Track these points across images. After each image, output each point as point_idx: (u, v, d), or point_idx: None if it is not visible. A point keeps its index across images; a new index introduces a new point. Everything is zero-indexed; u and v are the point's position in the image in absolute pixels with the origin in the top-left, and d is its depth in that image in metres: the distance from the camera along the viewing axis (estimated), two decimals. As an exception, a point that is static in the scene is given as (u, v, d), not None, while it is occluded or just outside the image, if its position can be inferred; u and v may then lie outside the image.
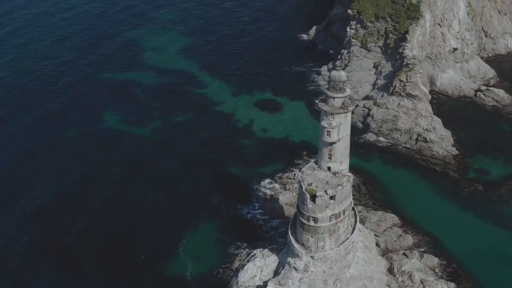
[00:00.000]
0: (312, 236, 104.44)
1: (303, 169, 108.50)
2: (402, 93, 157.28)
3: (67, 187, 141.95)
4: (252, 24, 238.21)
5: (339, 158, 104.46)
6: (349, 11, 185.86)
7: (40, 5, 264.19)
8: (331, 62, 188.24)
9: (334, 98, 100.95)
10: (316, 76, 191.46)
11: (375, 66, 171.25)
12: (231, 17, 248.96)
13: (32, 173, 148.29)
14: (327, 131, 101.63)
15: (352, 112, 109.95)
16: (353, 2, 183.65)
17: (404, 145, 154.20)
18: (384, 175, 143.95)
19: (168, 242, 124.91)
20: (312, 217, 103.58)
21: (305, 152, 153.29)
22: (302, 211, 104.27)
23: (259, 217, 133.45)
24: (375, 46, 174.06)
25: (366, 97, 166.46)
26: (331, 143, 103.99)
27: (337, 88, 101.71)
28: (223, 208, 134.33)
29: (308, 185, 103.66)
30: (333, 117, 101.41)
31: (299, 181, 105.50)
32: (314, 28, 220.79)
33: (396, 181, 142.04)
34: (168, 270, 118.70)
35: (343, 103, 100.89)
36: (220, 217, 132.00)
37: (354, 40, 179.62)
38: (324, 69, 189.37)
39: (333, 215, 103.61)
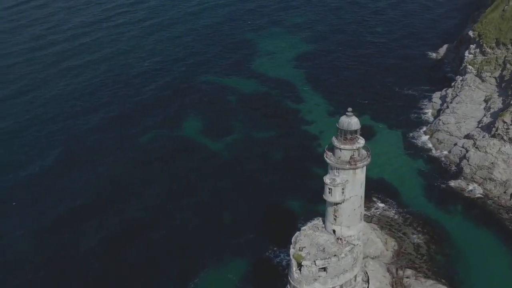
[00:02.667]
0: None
1: (303, 227, 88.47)
2: (505, 137, 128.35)
3: (107, 193, 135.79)
4: (381, 36, 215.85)
5: (346, 222, 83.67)
6: (470, 32, 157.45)
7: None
8: (445, 89, 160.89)
9: (340, 149, 79.28)
10: (426, 102, 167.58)
11: (486, 100, 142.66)
12: (362, 26, 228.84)
13: (81, 171, 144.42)
14: (329, 189, 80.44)
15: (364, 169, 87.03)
16: (476, 23, 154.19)
17: (496, 199, 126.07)
18: (458, 235, 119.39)
19: (182, 273, 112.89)
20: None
21: (379, 196, 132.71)
22: (289, 278, 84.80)
23: (285, 265, 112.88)
24: (490, 77, 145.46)
25: (467, 136, 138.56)
26: (336, 203, 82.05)
27: (347, 138, 79.53)
28: (255, 247, 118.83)
29: (299, 249, 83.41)
30: (338, 173, 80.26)
31: (291, 243, 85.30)
32: (445, 46, 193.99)
33: (470, 246, 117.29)
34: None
35: (351, 157, 78.92)
36: (247, 257, 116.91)
37: (470, 67, 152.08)
38: (436, 95, 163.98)
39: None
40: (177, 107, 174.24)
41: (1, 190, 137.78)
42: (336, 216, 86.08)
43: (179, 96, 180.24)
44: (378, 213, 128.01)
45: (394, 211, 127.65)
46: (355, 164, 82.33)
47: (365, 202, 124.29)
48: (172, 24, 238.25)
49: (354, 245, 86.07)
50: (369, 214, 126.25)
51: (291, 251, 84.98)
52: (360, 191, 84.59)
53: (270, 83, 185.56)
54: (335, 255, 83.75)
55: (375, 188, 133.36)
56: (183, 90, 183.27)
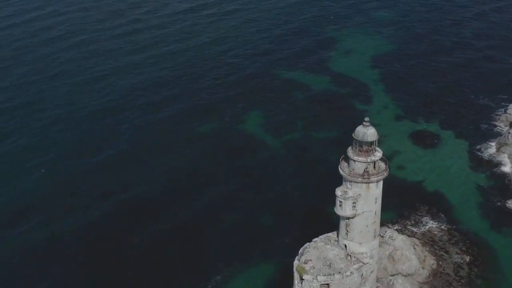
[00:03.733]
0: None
1: (315, 239, 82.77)
2: None
3: (168, 186, 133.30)
4: (467, 42, 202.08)
5: (358, 238, 77.76)
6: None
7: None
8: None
9: (354, 161, 73.42)
10: (500, 113, 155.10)
11: None
12: (453, 29, 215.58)
13: (145, 163, 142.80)
14: (339, 201, 74.80)
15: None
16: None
17: None
18: (505, 260, 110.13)
19: (209, 269, 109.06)
20: (299, 303, 78.61)
21: (429, 209, 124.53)
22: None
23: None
24: None
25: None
26: (347, 218, 76.50)
27: (363, 150, 73.48)
28: (287, 253, 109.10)
29: (304, 262, 78.27)
30: (351, 185, 74.44)
31: (298, 253, 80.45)
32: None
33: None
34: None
35: (365, 170, 72.81)
36: (276, 261, 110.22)
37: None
38: (511, 107, 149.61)
39: (326, 308, 76.55)
40: (244, 101, 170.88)
41: (71, 175, 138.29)
42: (347, 231, 79.78)
43: (248, 90, 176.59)
44: (425, 227, 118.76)
45: (441, 227, 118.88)
46: (368, 178, 75.20)
47: (411, 214, 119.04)
48: (257, 19, 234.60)
49: (363, 263, 78.89)
50: (414, 229, 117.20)
51: (295, 262, 79.72)
52: (374, 207, 77.70)
53: (342, 82, 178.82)
54: (339, 272, 76.85)
55: (427, 200, 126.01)
56: (254, 84, 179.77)
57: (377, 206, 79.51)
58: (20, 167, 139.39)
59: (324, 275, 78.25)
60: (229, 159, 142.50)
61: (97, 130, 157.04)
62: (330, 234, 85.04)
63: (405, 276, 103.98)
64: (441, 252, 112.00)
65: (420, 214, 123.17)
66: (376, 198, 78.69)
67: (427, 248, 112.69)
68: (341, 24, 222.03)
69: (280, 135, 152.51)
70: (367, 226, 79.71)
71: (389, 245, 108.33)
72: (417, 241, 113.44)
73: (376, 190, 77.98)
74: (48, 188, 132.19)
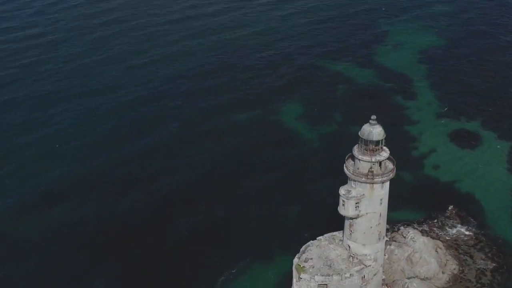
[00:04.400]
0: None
1: (320, 237, 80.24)
2: None
3: (207, 175, 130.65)
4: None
5: (361, 239, 74.99)
6: None
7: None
8: None
9: (359, 160, 70.61)
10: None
11: None
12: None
13: (188, 149, 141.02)
14: (342, 201, 72.14)
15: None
16: None
17: None
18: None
19: (229, 260, 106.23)
20: (296, 301, 76.55)
21: (459, 211, 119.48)
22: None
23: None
24: None
25: None
26: (350, 218, 73.86)
27: (369, 149, 70.55)
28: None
29: (304, 260, 76.02)
30: (355, 185, 71.55)
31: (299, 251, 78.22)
32: None
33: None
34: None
35: (370, 170, 69.84)
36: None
37: None
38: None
39: (324, 308, 74.17)
40: (286, 92, 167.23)
41: (108, 161, 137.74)
42: (351, 231, 76.58)
43: (292, 81, 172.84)
44: (452, 231, 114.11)
45: (469, 232, 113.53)
46: (372, 178, 71.70)
47: (440, 215, 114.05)
48: (310, 10, 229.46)
49: (365, 266, 75.51)
50: (440, 232, 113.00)
51: (295, 260, 76.93)
52: (379, 208, 74.22)
53: (387, 76, 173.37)
54: (338, 274, 73.83)
55: (458, 203, 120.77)
56: (298, 76, 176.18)
57: (382, 208, 75.85)
58: (58, 150, 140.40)
59: (322, 275, 75.20)
60: (266, 151, 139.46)
61: (140, 116, 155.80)
62: (335, 233, 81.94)
63: (422, 279, 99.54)
64: (465, 257, 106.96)
65: (449, 216, 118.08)
66: (381, 200, 75.08)
67: (451, 252, 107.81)
68: (393, 16, 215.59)
69: (318, 128, 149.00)
70: (371, 227, 76.28)
71: (409, 246, 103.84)
72: (441, 244, 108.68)
73: (381, 191, 74.34)
74: (84, 172, 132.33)
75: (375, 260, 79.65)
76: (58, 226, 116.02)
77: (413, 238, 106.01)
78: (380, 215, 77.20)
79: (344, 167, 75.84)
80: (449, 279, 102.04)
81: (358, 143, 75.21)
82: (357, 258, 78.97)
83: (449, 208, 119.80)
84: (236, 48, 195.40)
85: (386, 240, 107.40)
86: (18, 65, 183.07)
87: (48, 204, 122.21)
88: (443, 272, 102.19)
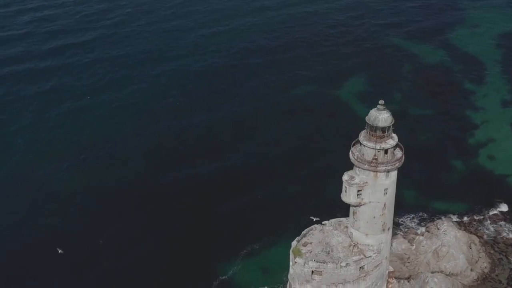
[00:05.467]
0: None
1: (325, 221, 76.30)
2: None
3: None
4: None
5: (364, 228, 70.67)
6: None
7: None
8: None
9: (364, 146, 66.28)
10: None
11: None
12: None
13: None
14: (345, 187, 68.16)
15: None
16: None
17: None
18: None
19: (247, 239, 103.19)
20: (291, 284, 73.47)
21: (503, 207, 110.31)
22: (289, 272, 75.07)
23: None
24: None
25: None
26: (353, 205, 69.84)
27: (376, 135, 65.94)
28: None
29: (303, 244, 72.75)
30: (359, 172, 67.36)
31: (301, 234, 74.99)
32: None
33: None
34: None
35: (374, 157, 65.37)
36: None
37: None
38: None
39: (318, 295, 70.80)
40: (347, 64, 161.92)
41: (169, 132, 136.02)
42: (354, 219, 71.55)
43: (356, 53, 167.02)
44: (493, 227, 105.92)
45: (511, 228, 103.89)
46: (376, 166, 66.34)
47: (484, 209, 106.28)
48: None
49: (365, 256, 70.61)
50: (480, 226, 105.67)
51: (293, 243, 73.04)
52: (383, 198, 68.81)
53: (457, 58, 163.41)
54: (334, 262, 69.50)
55: (507, 198, 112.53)
56: (364, 50, 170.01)
57: (387, 198, 70.19)
58: (123, 116, 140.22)
59: (317, 262, 70.72)
60: (320, 131, 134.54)
61: (210, 88, 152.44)
62: (343, 219, 76.96)
63: (447, 275, 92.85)
64: (501, 256, 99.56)
65: (494, 211, 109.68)
66: (385, 189, 69.45)
67: (485, 249, 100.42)
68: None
69: (373, 105, 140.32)
70: (374, 217, 70.91)
71: (438, 239, 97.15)
72: (476, 240, 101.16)
73: (385, 181, 68.68)
74: (148, 138, 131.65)
75: (378, 251, 74.07)
76: (116, 185, 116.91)
77: (446, 231, 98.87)
78: (385, 205, 71.44)
79: (350, 152, 70.38)
80: (478, 277, 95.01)
81: (365, 128, 69.37)
82: (358, 248, 73.63)
83: (496, 203, 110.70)
84: (312, 23, 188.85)
85: (398, 233, 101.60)
86: (105, 25, 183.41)
87: (110, 165, 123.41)
88: (471, 270, 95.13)
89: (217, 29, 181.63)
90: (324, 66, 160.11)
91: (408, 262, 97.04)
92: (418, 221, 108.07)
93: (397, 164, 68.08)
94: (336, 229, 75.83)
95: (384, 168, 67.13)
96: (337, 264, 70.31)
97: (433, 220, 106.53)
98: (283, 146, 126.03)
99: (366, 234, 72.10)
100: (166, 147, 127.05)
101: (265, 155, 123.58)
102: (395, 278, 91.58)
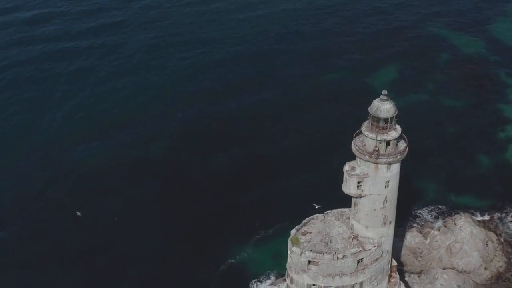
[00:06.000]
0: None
1: (328, 211, 75.04)
2: None
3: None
4: None
5: (364, 220, 69.28)
6: None
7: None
8: None
9: (366, 136, 64.85)
10: None
11: None
12: None
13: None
14: (345, 177, 66.90)
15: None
16: None
17: None
18: None
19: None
20: (289, 273, 72.69)
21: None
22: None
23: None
24: None
25: None
26: (353, 196, 68.52)
27: (378, 126, 64.37)
28: None
29: (302, 233, 71.82)
30: (360, 162, 65.98)
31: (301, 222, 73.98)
32: None
33: None
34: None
35: (375, 149, 63.88)
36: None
37: None
38: None
39: (314, 285, 69.78)
40: (384, 53, 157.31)
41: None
42: (355, 211, 69.75)
43: (393, 42, 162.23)
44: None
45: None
46: (376, 158, 64.34)
47: (508, 206, 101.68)
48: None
49: (364, 249, 68.84)
50: (500, 224, 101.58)
51: (292, 231, 71.77)
52: (384, 191, 66.77)
53: (496, 50, 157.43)
54: (330, 254, 68.08)
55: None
56: (402, 39, 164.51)
57: (389, 191, 67.97)
58: (152, 97, 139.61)
59: (313, 252, 69.16)
60: (348, 120, 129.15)
61: (243, 74, 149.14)
62: (346, 210, 74.97)
63: (459, 272, 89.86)
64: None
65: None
66: (387, 182, 67.25)
67: (503, 248, 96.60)
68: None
69: (404, 95, 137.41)
70: (374, 210, 68.86)
71: (453, 234, 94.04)
72: (494, 238, 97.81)
73: (386, 173, 66.45)
74: (174, 123, 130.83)
75: (379, 245, 71.90)
76: (140, 165, 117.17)
77: (462, 226, 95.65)
78: (386, 198, 69.20)
79: (352, 142, 68.36)
80: (492, 276, 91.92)
81: (368, 118, 67.19)
82: (358, 240, 71.67)
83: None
84: (351, 9, 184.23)
85: (414, 226, 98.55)
86: (140, 6, 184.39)
87: (136, 145, 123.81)
88: (485, 268, 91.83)
89: (254, 13, 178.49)
90: (360, 55, 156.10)
91: (421, 257, 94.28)
92: (436, 214, 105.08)
93: (399, 157, 65.81)
94: (338, 220, 74.05)
95: (385, 160, 64.85)
96: (334, 255, 68.14)
97: (451, 215, 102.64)
98: (308, 135, 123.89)
99: (366, 227, 70.17)
100: (192, 131, 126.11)
101: (293, 143, 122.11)
102: (406, 272, 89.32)
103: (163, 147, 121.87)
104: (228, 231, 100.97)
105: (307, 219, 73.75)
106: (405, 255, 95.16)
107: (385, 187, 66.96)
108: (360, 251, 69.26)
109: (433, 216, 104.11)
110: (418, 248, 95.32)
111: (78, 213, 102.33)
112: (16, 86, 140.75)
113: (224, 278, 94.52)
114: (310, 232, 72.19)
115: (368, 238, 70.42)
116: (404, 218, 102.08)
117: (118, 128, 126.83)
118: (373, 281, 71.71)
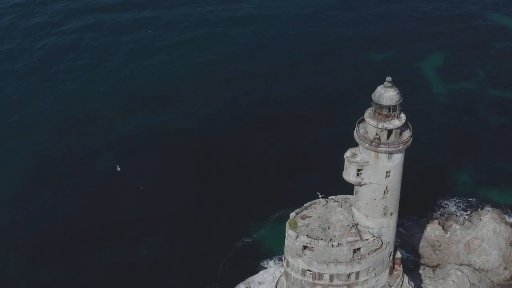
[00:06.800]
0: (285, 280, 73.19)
1: (333, 196, 73.04)
2: None
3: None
4: None
5: (364, 209, 67.07)
6: None
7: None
8: None
9: (368, 123, 62.69)
10: None
11: None
12: None
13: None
14: (346, 163, 65.07)
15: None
16: None
17: None
18: None
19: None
20: (285, 257, 71.57)
21: None
22: (285, 244, 73.11)
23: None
24: None
25: None
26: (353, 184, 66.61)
27: (381, 113, 62.05)
28: None
29: (301, 217, 70.42)
30: (362, 150, 64.00)
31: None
32: None
33: None
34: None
35: (376, 137, 61.66)
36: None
37: None
38: None
39: (309, 271, 68.45)
40: (430, 34, 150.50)
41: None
42: (356, 199, 67.23)
43: (449, 29, 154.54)
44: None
45: None
46: (376, 146, 61.48)
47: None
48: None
49: (361, 239, 66.38)
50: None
51: (291, 214, 69.90)
52: (385, 181, 63.79)
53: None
54: (324, 240, 66.02)
55: None
56: (459, 25, 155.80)
57: (390, 181, 64.75)
58: (202, 74, 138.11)
59: (308, 237, 67.07)
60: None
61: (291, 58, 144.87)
62: (350, 196, 72.12)
63: (476, 269, 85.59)
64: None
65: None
66: (388, 172, 63.98)
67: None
68: None
69: (453, 82, 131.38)
70: (374, 199, 65.82)
71: (474, 230, 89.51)
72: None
73: (387, 163, 63.20)
74: (219, 101, 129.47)
75: (379, 235, 68.86)
76: (178, 138, 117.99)
77: (486, 223, 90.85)
78: (387, 188, 65.88)
79: (355, 129, 65.41)
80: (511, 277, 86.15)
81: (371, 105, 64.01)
82: (357, 229, 68.89)
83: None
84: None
85: (435, 218, 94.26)
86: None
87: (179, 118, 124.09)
88: (505, 268, 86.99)
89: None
90: (416, 40, 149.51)
91: (439, 250, 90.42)
92: (464, 207, 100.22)
93: (401, 147, 62.23)
94: (341, 206, 71.28)
95: (385, 149, 61.53)
96: (329, 242, 65.71)
97: (479, 210, 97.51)
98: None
99: (366, 216, 67.38)
100: (231, 112, 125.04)
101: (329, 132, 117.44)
102: (422, 265, 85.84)
103: (202, 122, 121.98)
104: (250, 210, 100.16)
105: (309, 203, 71.42)
106: (423, 247, 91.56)
107: (386, 177, 63.80)
108: (357, 240, 66.45)
109: (460, 209, 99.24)
110: (438, 241, 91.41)
111: (118, 168, 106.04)
112: (76, 54, 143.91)
113: (238, 256, 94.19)
114: (310, 217, 69.89)
115: (368, 227, 67.36)
116: (429, 208, 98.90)
117: (163, 101, 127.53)
118: (370, 272, 68.84)
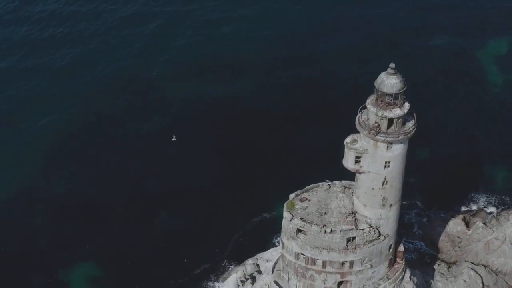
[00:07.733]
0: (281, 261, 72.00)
1: (337, 182, 71.29)
2: None
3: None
4: None
5: (362, 198, 65.14)
6: None
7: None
8: None
9: (368, 110, 60.80)
10: None
11: None
12: None
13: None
14: (345, 149, 63.49)
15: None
16: None
17: None
18: None
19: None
20: (281, 238, 70.86)
21: None
22: (283, 226, 72.17)
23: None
24: None
25: None
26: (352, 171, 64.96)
27: (383, 101, 59.94)
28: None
29: (300, 199, 69.33)
30: (362, 136, 62.25)
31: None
32: None
33: None
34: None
35: (375, 125, 59.67)
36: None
37: None
38: None
39: (302, 255, 67.56)
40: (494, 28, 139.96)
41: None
42: (356, 186, 64.86)
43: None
44: None
45: None
46: (375, 135, 58.73)
47: None
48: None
49: (356, 228, 64.09)
50: None
51: (291, 195, 68.20)
52: (384, 171, 60.87)
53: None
54: (316, 224, 64.15)
55: None
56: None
57: (389, 172, 61.51)
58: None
59: (302, 220, 65.23)
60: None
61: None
62: (354, 183, 69.42)
63: (493, 271, 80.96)
64: None
65: None
66: (387, 162, 60.76)
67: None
68: None
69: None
70: (372, 189, 62.82)
71: (497, 230, 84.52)
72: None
73: (386, 153, 59.99)
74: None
75: (376, 226, 65.87)
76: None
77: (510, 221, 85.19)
78: (386, 179, 62.56)
79: (358, 115, 62.44)
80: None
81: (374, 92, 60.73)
82: (353, 217, 66.19)
83: None
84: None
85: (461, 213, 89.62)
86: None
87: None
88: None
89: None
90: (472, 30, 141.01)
91: (458, 247, 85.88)
92: (496, 204, 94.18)
93: (401, 138, 58.74)
94: (343, 192, 68.57)
95: (383, 138, 58.24)
96: (322, 228, 63.50)
97: (510, 209, 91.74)
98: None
99: (365, 205, 64.59)
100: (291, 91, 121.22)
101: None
102: (439, 260, 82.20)
103: (259, 97, 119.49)
104: (270, 186, 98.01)
105: (311, 185, 69.12)
106: (442, 242, 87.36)
107: (385, 167, 60.61)
108: (352, 229, 63.61)
109: (491, 205, 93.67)
110: (458, 237, 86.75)
111: (174, 138, 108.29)
112: (140, 21, 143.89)
113: (255, 230, 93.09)
114: (309, 200, 67.70)
115: (366, 217, 64.41)
116: (457, 202, 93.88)
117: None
118: (366, 263, 65.99)
